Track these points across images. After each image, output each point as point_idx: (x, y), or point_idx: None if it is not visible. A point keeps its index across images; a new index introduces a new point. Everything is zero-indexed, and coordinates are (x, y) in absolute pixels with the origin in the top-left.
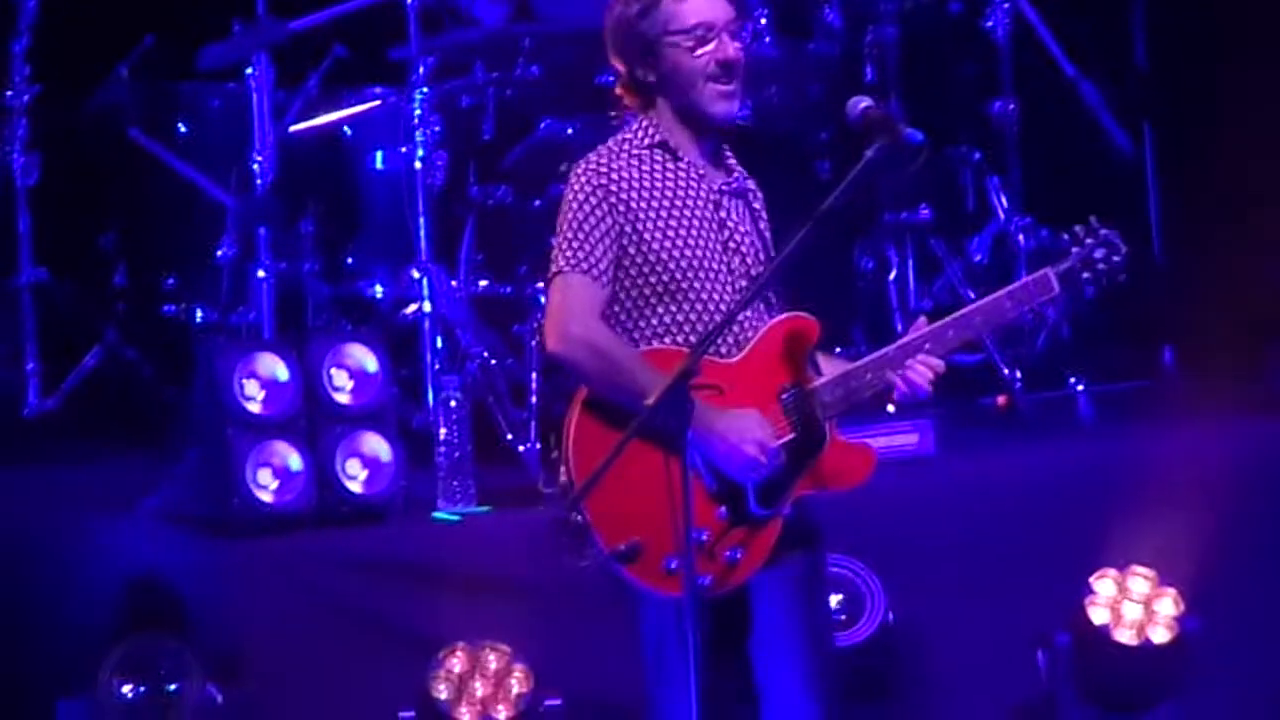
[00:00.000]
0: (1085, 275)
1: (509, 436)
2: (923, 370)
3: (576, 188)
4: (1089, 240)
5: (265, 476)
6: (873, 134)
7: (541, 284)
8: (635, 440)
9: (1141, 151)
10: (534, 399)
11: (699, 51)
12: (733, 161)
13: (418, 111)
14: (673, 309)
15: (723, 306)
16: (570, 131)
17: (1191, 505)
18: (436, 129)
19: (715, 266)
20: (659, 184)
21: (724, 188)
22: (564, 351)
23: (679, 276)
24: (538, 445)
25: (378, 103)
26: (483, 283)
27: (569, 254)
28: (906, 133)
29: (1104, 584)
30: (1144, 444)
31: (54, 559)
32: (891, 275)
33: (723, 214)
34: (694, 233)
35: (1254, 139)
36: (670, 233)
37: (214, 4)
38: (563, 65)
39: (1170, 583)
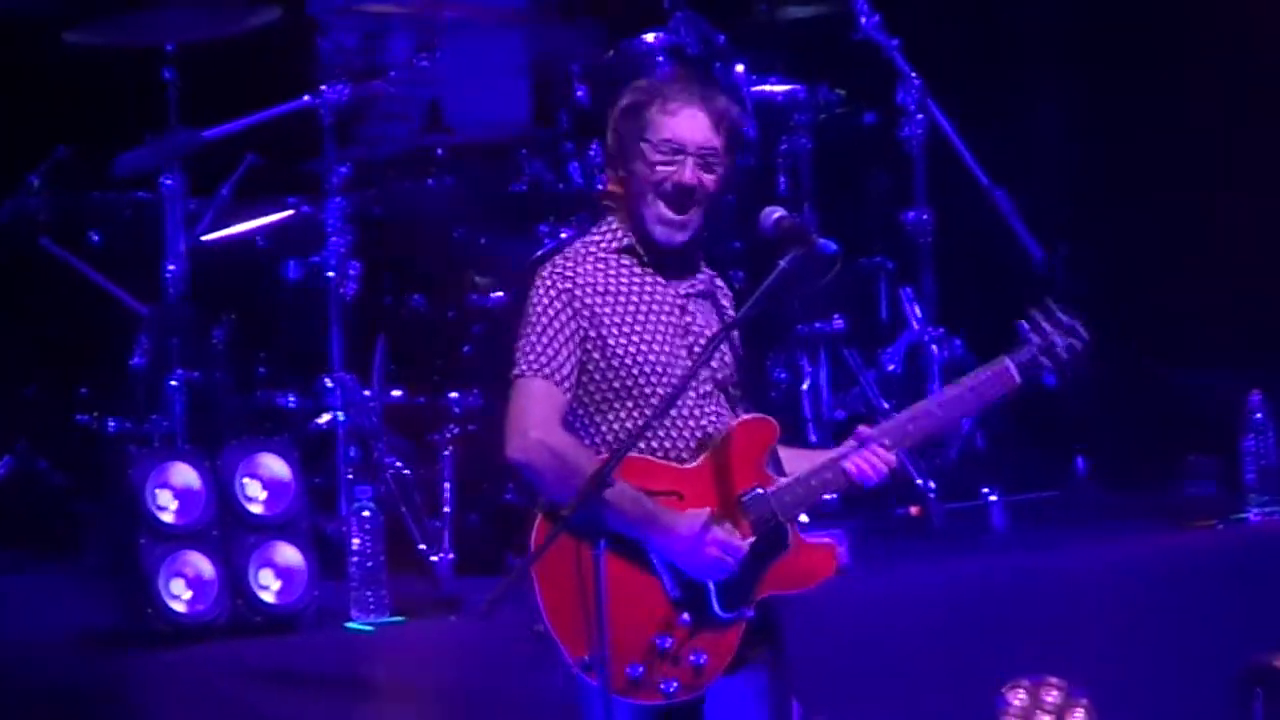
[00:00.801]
0: (1045, 363)
1: (422, 546)
2: (870, 458)
3: (540, 291)
4: (1047, 326)
5: (178, 586)
6: (786, 244)
7: (455, 394)
8: (592, 551)
9: (1054, 261)
10: (447, 509)
11: (659, 168)
12: (701, 263)
13: (331, 221)
14: (633, 412)
15: (684, 411)
16: (483, 241)
17: (1104, 615)
18: (350, 239)
19: (679, 371)
20: (623, 288)
21: (689, 291)
22: (521, 456)
23: (641, 381)
24: (451, 555)
25: (291, 212)
26: (396, 392)
27: (530, 358)
28: (820, 243)
29: (1017, 695)
30: (1057, 554)
31: None
32: (805, 385)
33: (688, 319)
34: (658, 337)
35: (1166, 252)
36: (634, 337)
37: (126, 113)
38: (476, 176)
39: (1083, 693)
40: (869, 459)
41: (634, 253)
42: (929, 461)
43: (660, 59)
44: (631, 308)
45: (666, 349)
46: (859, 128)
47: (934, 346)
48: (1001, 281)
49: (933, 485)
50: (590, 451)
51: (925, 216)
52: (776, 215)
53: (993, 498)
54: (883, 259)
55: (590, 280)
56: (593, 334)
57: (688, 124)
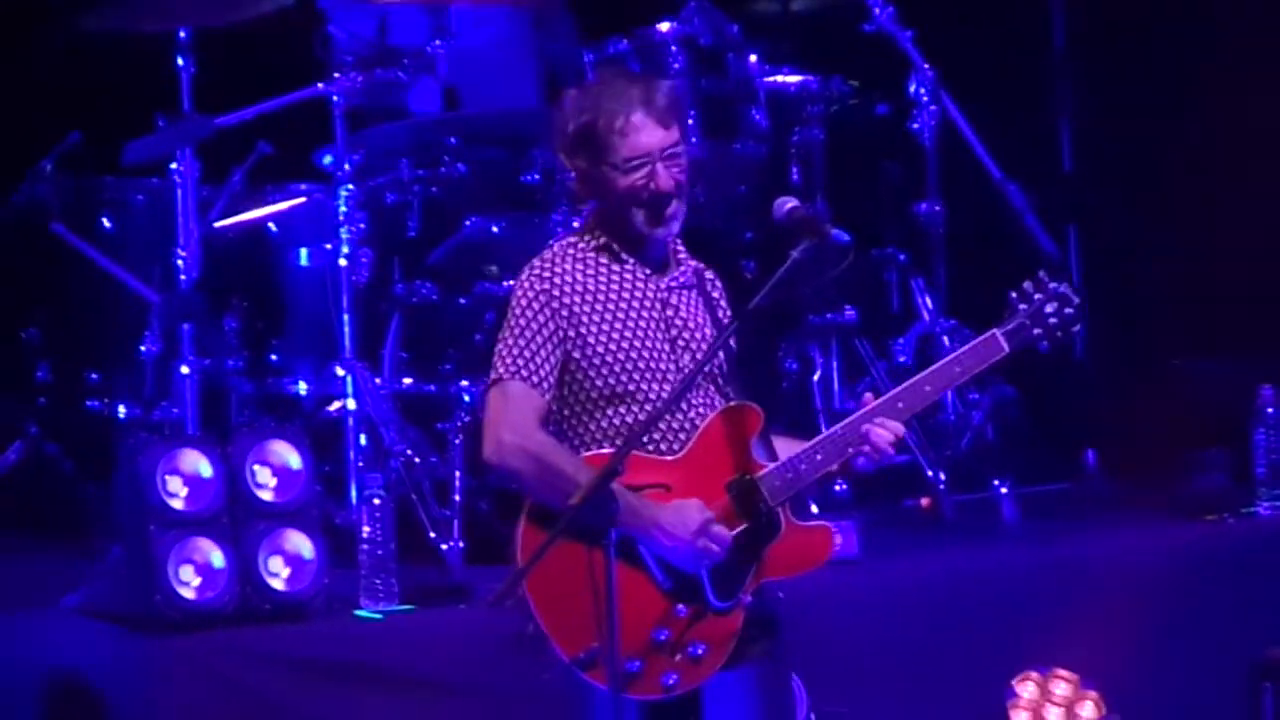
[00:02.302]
0: (1036, 331)
1: (432, 535)
2: (883, 433)
3: (520, 293)
4: (1038, 296)
5: (187, 573)
6: (799, 234)
7: (465, 382)
8: (585, 547)
9: (1066, 255)
10: (457, 497)
11: (630, 183)
12: (683, 254)
13: (343, 208)
14: (621, 411)
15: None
16: (496, 230)
17: (1113, 608)
18: (361, 226)
19: (664, 366)
20: (603, 287)
21: (671, 284)
22: (498, 459)
23: (625, 379)
24: (460, 543)
25: (303, 199)
26: (407, 380)
27: (509, 360)
28: (832, 233)
29: (1026, 687)
30: (1066, 546)
31: None
32: (816, 376)
33: (669, 312)
34: (639, 334)
35: (1178, 243)
36: (615, 335)
37: (139, 99)
38: (489, 164)
39: (1092, 686)
40: (878, 431)
41: (611, 251)
42: (939, 453)
43: (674, 48)
44: (611, 306)
45: (650, 345)
46: (872, 119)
47: (945, 338)
48: (1014, 274)
49: (943, 477)
50: (569, 451)
51: (937, 208)
52: (789, 205)
53: (1003, 490)
54: (894, 250)
55: (569, 280)
56: (572, 334)
57: (643, 136)
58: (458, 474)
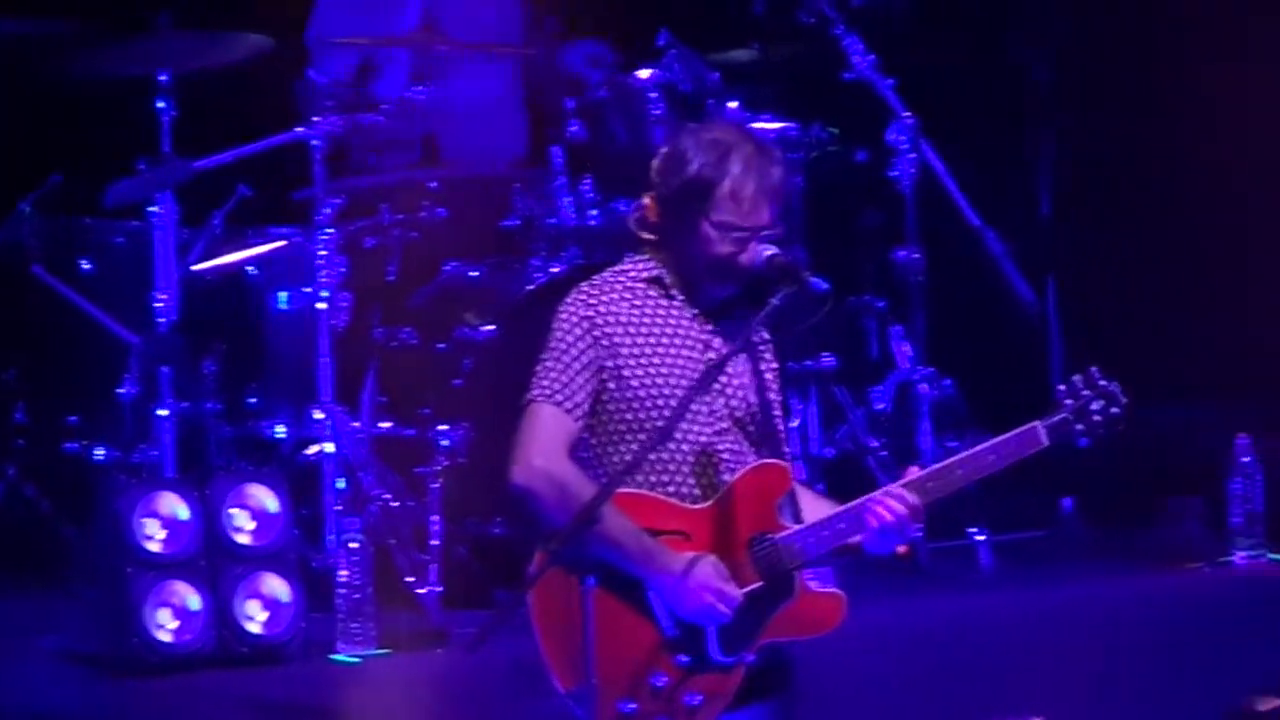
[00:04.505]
0: (1079, 427)
1: (409, 579)
2: (894, 505)
3: (564, 317)
4: (1086, 392)
5: (164, 616)
6: (777, 282)
7: (444, 426)
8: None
9: (1044, 302)
10: (435, 541)
11: (720, 248)
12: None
13: (322, 252)
14: (647, 445)
15: (696, 447)
16: (475, 275)
17: (1088, 656)
18: (341, 270)
19: (695, 407)
20: (646, 321)
21: (716, 329)
22: (523, 482)
23: (654, 414)
24: (438, 588)
25: (282, 243)
26: (385, 424)
27: (545, 384)
28: (811, 281)
29: None
30: (1042, 594)
31: None
32: (795, 423)
33: (710, 354)
34: (676, 371)
35: (1155, 290)
36: (651, 369)
37: (119, 143)
38: (468, 208)
39: None
40: (889, 505)
41: (662, 285)
42: None
43: (653, 95)
44: (653, 340)
45: (684, 383)
46: (851, 166)
47: (924, 385)
48: (991, 321)
49: (919, 524)
50: (594, 485)
51: (916, 255)
52: (769, 253)
53: (979, 537)
54: (873, 297)
55: (614, 310)
56: (610, 364)
57: (752, 210)
58: (435, 519)
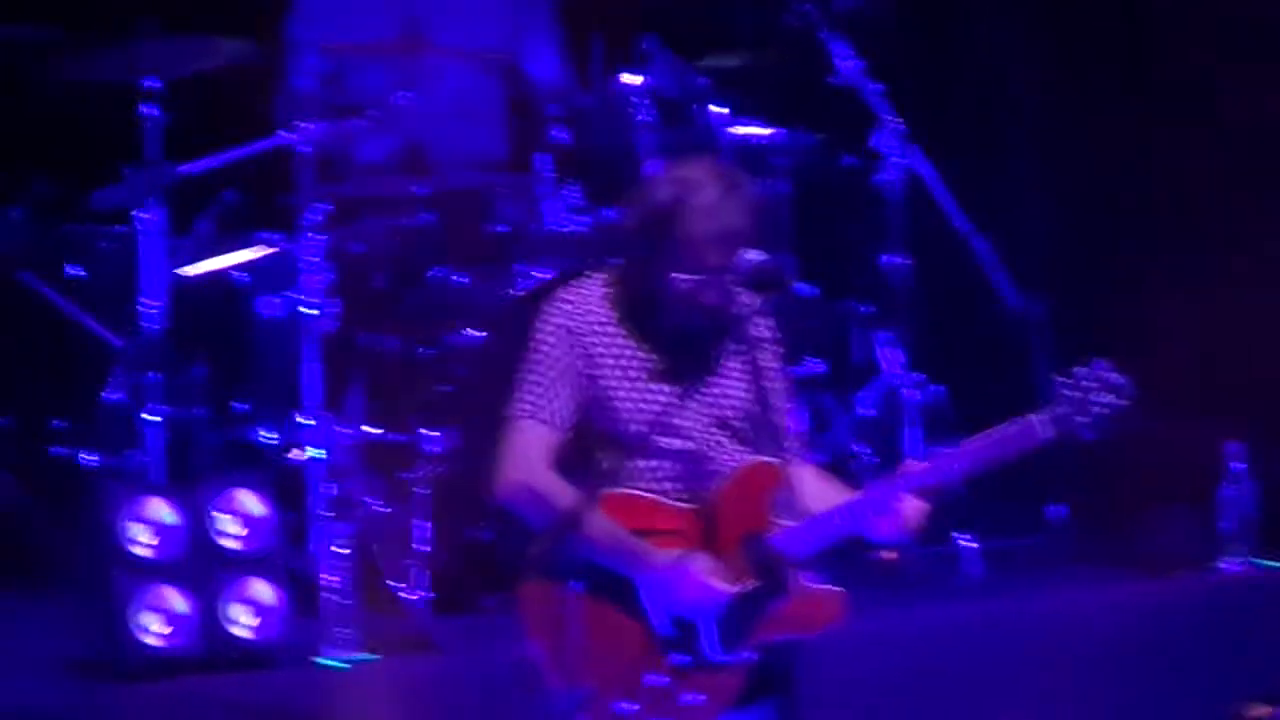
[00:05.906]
0: (1080, 420)
1: (395, 584)
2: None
3: (542, 324)
4: (1088, 383)
5: (152, 621)
6: (764, 288)
7: (430, 432)
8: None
9: (1031, 308)
10: (420, 547)
11: (686, 283)
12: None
13: (309, 258)
14: (623, 455)
15: (689, 446)
16: (460, 281)
17: (1078, 664)
18: (327, 276)
19: (683, 410)
20: (624, 330)
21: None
22: (505, 496)
23: (636, 420)
24: (424, 593)
25: (269, 249)
26: (371, 430)
27: (524, 397)
28: (797, 287)
29: None
30: (1030, 601)
31: None
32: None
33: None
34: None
35: (1146, 302)
36: (627, 382)
37: (104, 148)
38: (456, 215)
39: None
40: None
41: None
42: None
43: (639, 101)
44: (629, 350)
45: (665, 389)
46: (838, 171)
47: (910, 391)
48: (979, 327)
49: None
50: (572, 491)
51: (903, 261)
52: (754, 258)
53: (968, 544)
54: (859, 302)
55: (590, 317)
56: (587, 371)
57: (714, 251)
58: (421, 524)
